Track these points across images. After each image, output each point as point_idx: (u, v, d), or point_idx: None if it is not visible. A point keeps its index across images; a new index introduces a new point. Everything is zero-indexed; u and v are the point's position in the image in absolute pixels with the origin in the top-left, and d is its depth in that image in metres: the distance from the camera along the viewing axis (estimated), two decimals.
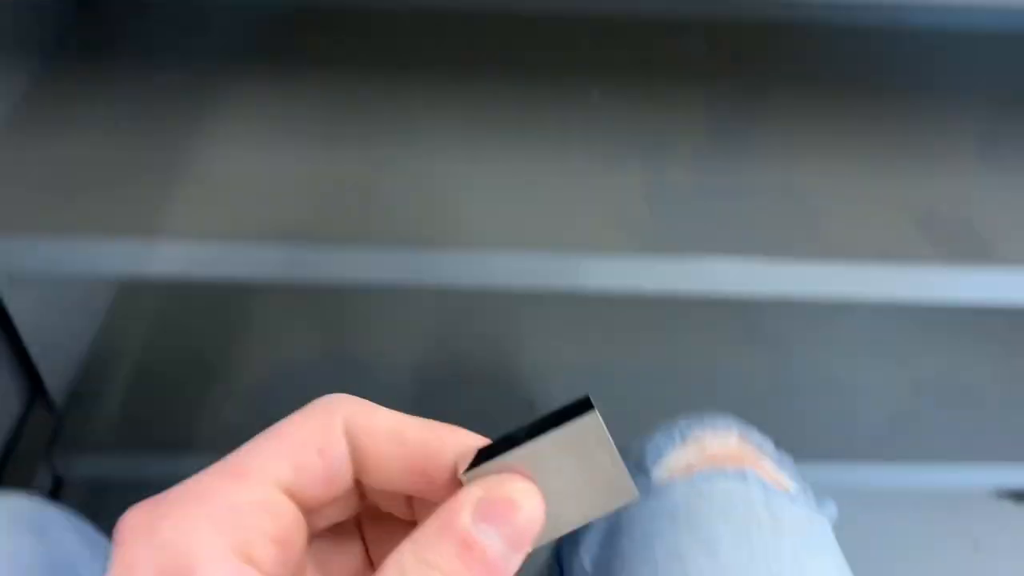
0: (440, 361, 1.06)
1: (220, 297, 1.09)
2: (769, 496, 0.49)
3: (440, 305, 1.11)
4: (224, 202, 0.69)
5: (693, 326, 1.12)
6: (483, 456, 0.24)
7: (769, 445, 0.54)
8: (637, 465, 0.52)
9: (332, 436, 0.24)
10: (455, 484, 0.24)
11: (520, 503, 0.23)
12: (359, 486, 0.26)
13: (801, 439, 1.04)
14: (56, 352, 0.93)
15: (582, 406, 0.24)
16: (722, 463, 0.50)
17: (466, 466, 0.24)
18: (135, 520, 0.22)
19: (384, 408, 0.25)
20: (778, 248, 0.70)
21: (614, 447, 0.24)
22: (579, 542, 0.51)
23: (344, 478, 0.25)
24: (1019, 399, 1.07)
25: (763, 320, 1.13)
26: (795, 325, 1.13)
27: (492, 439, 0.25)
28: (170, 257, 0.66)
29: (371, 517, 0.29)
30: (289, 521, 0.24)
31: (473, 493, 0.23)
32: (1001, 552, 1.13)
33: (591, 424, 0.23)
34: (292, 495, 0.24)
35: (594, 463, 0.24)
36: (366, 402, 0.25)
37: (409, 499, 0.27)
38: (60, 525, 0.44)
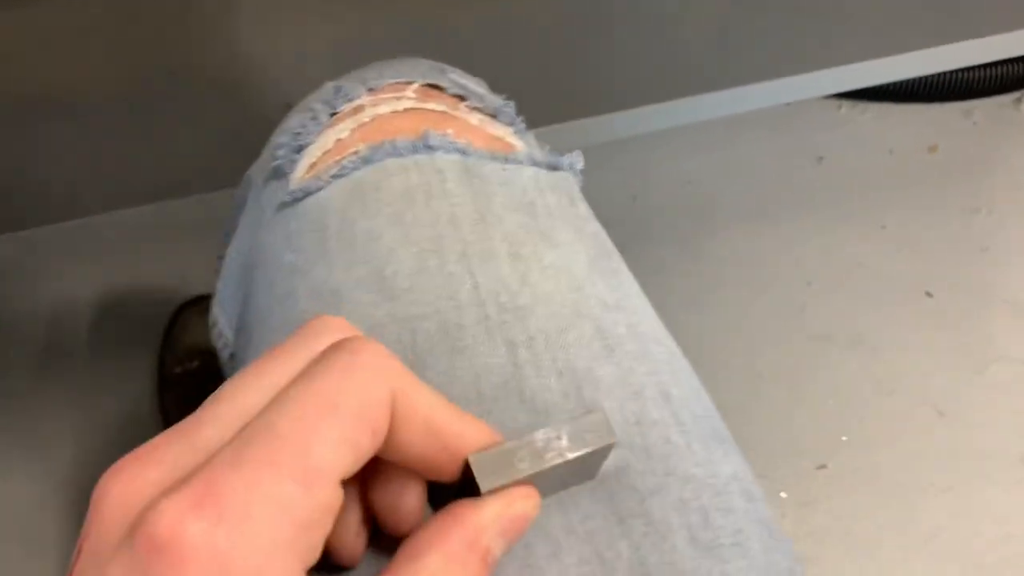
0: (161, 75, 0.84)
1: None
2: (472, 165, 0.33)
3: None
4: None
5: None
6: (493, 457, 0.23)
7: (480, 88, 0.38)
8: (272, 169, 0.35)
9: (384, 415, 0.21)
10: (466, 470, 0.23)
11: (530, 518, 0.23)
12: None
13: (617, 84, 0.90)
14: None
15: (598, 426, 0.24)
16: (390, 133, 0.33)
17: (477, 469, 0.23)
18: (191, 529, 0.17)
19: (424, 386, 0.22)
20: None
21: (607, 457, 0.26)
22: (213, 300, 0.36)
23: None
24: None
25: None
26: None
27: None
28: None
29: None
30: (339, 507, 0.20)
31: (494, 509, 0.23)
32: (845, 161, 1.05)
33: (605, 450, 0.25)
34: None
35: (586, 467, 0.25)
36: (408, 373, 0.22)
37: None
38: None
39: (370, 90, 0.35)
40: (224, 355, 0.36)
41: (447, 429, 0.22)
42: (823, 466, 0.89)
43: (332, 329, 0.23)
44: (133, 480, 0.19)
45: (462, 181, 0.32)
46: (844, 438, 0.90)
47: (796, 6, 0.93)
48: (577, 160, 0.36)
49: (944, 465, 0.88)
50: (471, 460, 0.23)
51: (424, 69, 0.37)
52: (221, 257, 0.39)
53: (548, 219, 0.33)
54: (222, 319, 0.36)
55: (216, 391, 0.21)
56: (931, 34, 0.97)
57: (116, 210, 0.84)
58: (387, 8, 0.89)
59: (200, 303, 0.87)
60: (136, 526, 0.18)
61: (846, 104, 1.08)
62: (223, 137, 0.84)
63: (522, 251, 0.31)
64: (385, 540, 0.24)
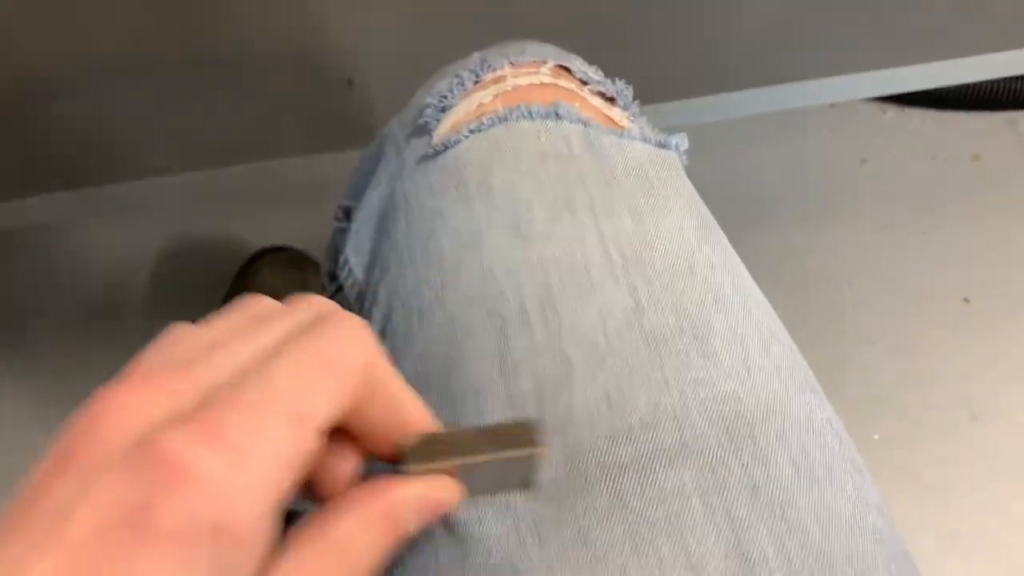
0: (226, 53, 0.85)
1: None
2: (593, 136, 0.35)
3: None
4: None
5: None
6: (427, 442, 0.25)
7: (597, 75, 0.40)
8: (417, 126, 0.37)
9: (360, 380, 0.23)
10: (399, 452, 0.25)
11: (449, 505, 0.25)
12: None
13: (665, 75, 0.91)
14: None
15: (529, 433, 0.25)
16: (526, 101, 0.35)
17: (410, 451, 0.25)
18: (197, 455, 0.19)
19: (392, 368, 0.24)
20: None
21: (539, 467, 0.27)
22: (345, 242, 0.38)
23: None
24: None
25: None
26: None
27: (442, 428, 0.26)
28: None
29: None
30: (316, 459, 0.23)
31: (415, 489, 0.24)
32: (888, 165, 1.06)
33: (533, 456, 0.26)
34: None
35: (516, 472, 0.27)
36: (381, 350, 0.24)
37: None
38: None
39: (511, 63, 0.38)
40: (350, 295, 0.37)
41: (405, 408, 0.24)
42: None
43: (317, 303, 0.25)
44: (137, 405, 0.21)
45: (586, 148, 0.35)
46: (876, 436, 0.91)
47: (845, 8, 0.94)
48: (683, 141, 0.38)
49: (976, 468, 0.89)
50: (405, 443, 0.25)
51: (554, 52, 0.40)
52: (346, 208, 0.41)
53: (662, 187, 0.35)
54: (354, 258, 0.37)
55: (200, 336, 0.23)
56: (979, 42, 0.98)
57: (176, 174, 0.86)
58: None
59: (274, 253, 0.88)
60: (144, 446, 0.20)
61: (891, 108, 1.09)
62: (285, 107, 0.86)
63: (641, 211, 0.33)
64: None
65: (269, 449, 0.20)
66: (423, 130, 0.37)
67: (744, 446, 0.28)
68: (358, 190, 0.40)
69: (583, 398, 0.29)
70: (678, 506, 0.26)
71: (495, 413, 0.29)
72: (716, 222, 0.37)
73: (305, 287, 0.83)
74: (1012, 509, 0.87)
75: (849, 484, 0.29)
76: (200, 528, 0.19)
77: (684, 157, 0.38)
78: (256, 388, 0.21)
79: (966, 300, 0.98)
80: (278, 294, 0.87)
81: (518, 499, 0.28)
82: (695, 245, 0.33)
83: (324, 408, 0.21)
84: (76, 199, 0.83)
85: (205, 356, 0.22)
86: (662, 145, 0.37)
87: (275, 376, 0.21)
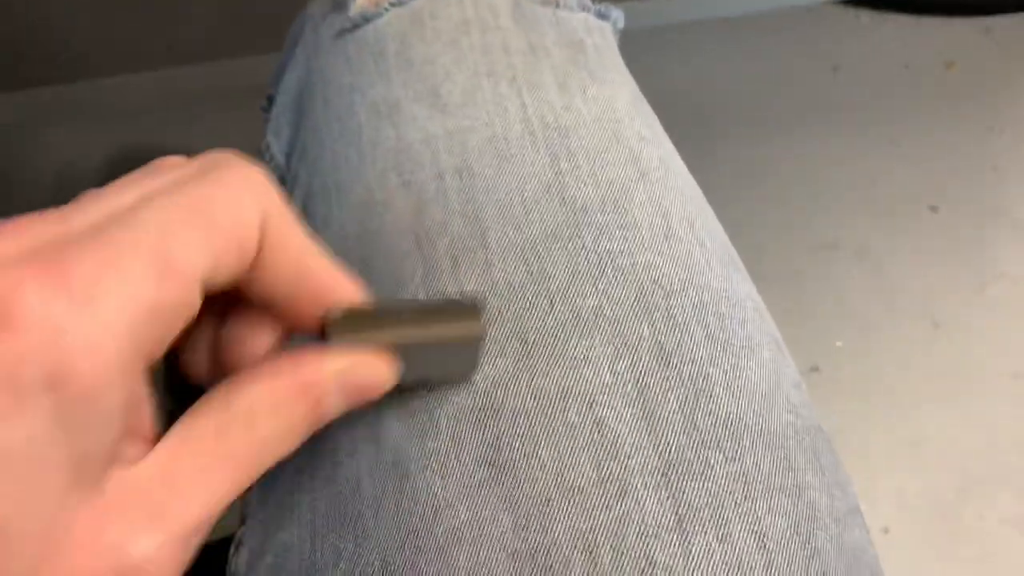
0: None
1: None
2: (524, 5, 0.34)
3: None
4: None
5: None
6: (355, 316, 0.22)
7: None
8: (333, 2, 0.36)
9: (251, 235, 0.20)
10: (319, 325, 0.22)
11: (379, 387, 0.23)
12: None
13: None
14: None
15: (469, 313, 0.23)
16: None
17: (333, 323, 0.22)
18: (30, 296, 0.17)
19: (300, 226, 0.22)
20: None
21: (482, 350, 0.25)
22: (267, 127, 0.36)
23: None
24: None
25: None
26: None
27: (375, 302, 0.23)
28: None
29: None
30: (192, 315, 0.20)
31: (339, 362, 0.22)
32: (861, 72, 1.05)
33: (475, 337, 0.24)
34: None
35: (456, 358, 0.24)
36: (286, 207, 0.21)
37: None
38: None
39: None
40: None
41: (317, 274, 0.22)
42: (816, 368, 0.90)
43: (221, 155, 0.22)
44: None
45: (514, 18, 0.34)
46: (839, 343, 0.92)
47: None
48: (620, 17, 0.37)
49: (936, 376, 0.90)
50: (327, 312, 0.22)
51: None
52: (270, 96, 0.39)
53: (596, 57, 0.34)
54: (275, 144, 0.36)
55: (95, 193, 0.20)
56: None
57: (128, 74, 0.83)
58: None
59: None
60: None
61: (865, 13, 1.07)
62: (236, 7, 0.83)
63: (569, 82, 0.32)
64: None
65: (122, 292, 0.18)
66: (340, 5, 0.36)
67: (658, 316, 0.27)
68: (279, 76, 0.39)
69: (500, 262, 0.28)
70: (589, 374, 0.26)
71: (413, 284, 0.28)
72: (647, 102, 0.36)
73: None
74: (973, 417, 0.88)
75: (767, 357, 0.28)
76: (33, 375, 0.17)
77: (618, 36, 0.38)
78: (118, 228, 0.18)
79: (933, 209, 0.98)
80: None
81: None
82: (624, 117, 0.32)
83: (194, 258, 0.19)
84: (26, 100, 0.81)
85: (80, 202, 0.20)
86: (601, 16, 0.37)
87: (141, 218, 0.18)
